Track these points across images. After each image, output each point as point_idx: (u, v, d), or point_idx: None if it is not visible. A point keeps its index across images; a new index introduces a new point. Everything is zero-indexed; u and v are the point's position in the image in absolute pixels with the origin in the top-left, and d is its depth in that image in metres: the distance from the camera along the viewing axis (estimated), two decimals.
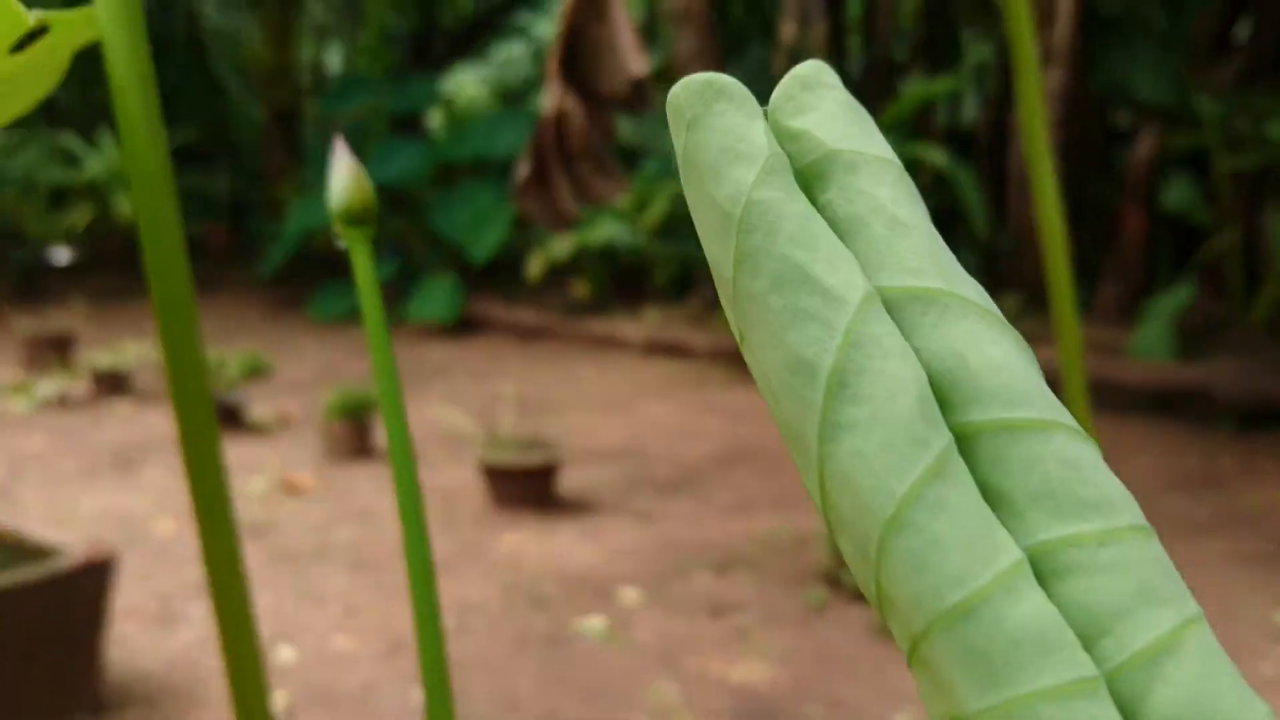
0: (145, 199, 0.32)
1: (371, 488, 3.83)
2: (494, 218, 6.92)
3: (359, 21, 10.67)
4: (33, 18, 0.28)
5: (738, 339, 0.21)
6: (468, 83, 13.26)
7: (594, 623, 2.67)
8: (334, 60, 11.94)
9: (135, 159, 0.31)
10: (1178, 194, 4.95)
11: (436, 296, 6.92)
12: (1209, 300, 4.99)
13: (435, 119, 11.72)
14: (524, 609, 2.77)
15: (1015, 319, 5.33)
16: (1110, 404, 4.82)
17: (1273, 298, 4.82)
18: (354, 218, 0.36)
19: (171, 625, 2.67)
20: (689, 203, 0.21)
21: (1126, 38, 5.04)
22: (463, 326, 6.98)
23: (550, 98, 3.49)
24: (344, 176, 0.36)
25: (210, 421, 0.34)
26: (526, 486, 3.55)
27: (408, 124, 8.96)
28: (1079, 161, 5.19)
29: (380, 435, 4.36)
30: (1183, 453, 4.26)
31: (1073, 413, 0.63)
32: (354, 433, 4.15)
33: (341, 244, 0.37)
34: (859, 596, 2.76)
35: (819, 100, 0.22)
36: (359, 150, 7.45)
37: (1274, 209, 4.61)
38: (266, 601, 2.79)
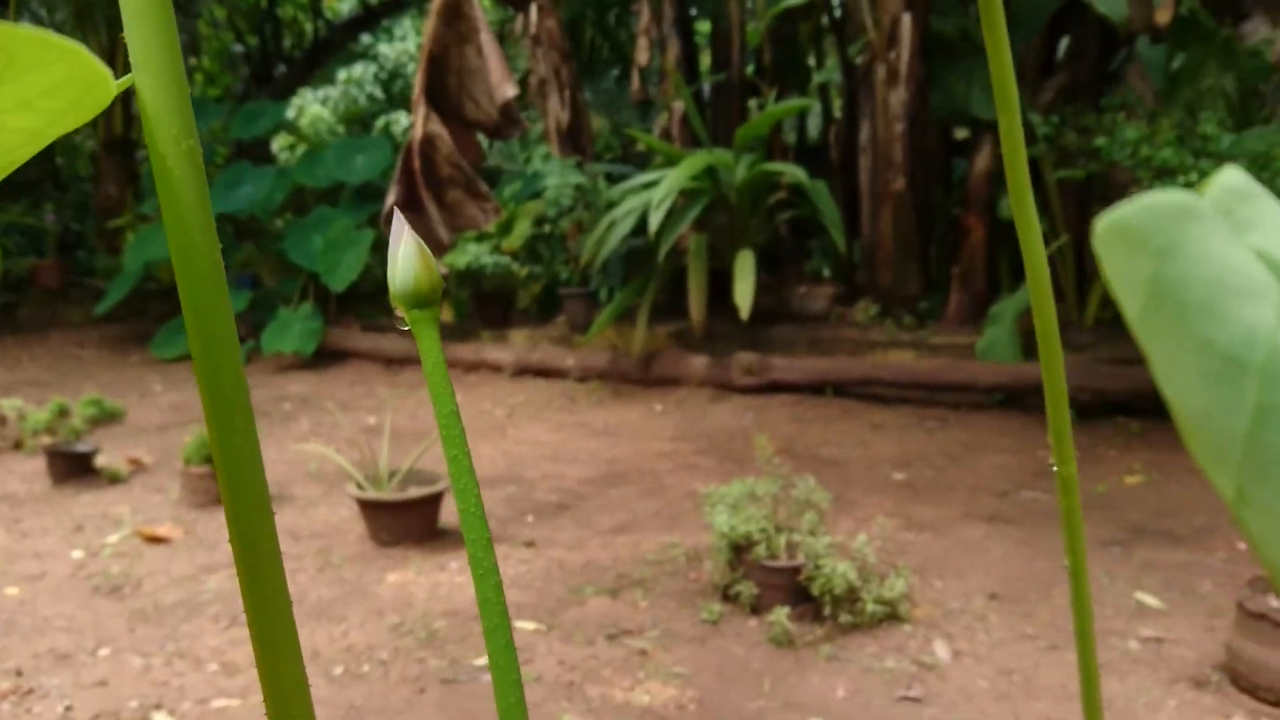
0: None
1: None
2: (352, 244, 6.72)
3: (194, 44, 10.20)
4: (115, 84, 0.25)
5: (1231, 494, 0.18)
6: (312, 106, 12.88)
7: None
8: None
9: None
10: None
11: (293, 328, 6.66)
12: None
13: (280, 143, 11.32)
14: (417, 649, 2.69)
15: (873, 326, 5.55)
16: (966, 403, 5.07)
17: (1102, 298, 5.18)
18: (421, 300, 0.34)
19: (28, 701, 2.46)
20: (1152, 338, 0.18)
21: (961, 60, 5.35)
22: (324, 357, 6.75)
23: (417, 123, 3.43)
24: (410, 257, 0.34)
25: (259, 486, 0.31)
26: (408, 521, 3.45)
27: (251, 149, 8.62)
28: (923, 176, 5.46)
29: None
30: (1034, 446, 4.52)
31: (1059, 429, 0.64)
32: (215, 476, 3.94)
33: (404, 325, 0.35)
34: (755, 609, 2.81)
35: (1261, 214, 0.20)
36: None
37: (1100, 216, 4.96)
38: (134, 665, 2.61)
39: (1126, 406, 4.64)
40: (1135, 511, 3.71)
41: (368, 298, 7.31)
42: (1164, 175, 3.97)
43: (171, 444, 4.76)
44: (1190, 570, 3.13)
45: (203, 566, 3.34)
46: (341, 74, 12.98)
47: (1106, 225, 0.19)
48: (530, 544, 3.50)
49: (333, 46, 11.94)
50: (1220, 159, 3.62)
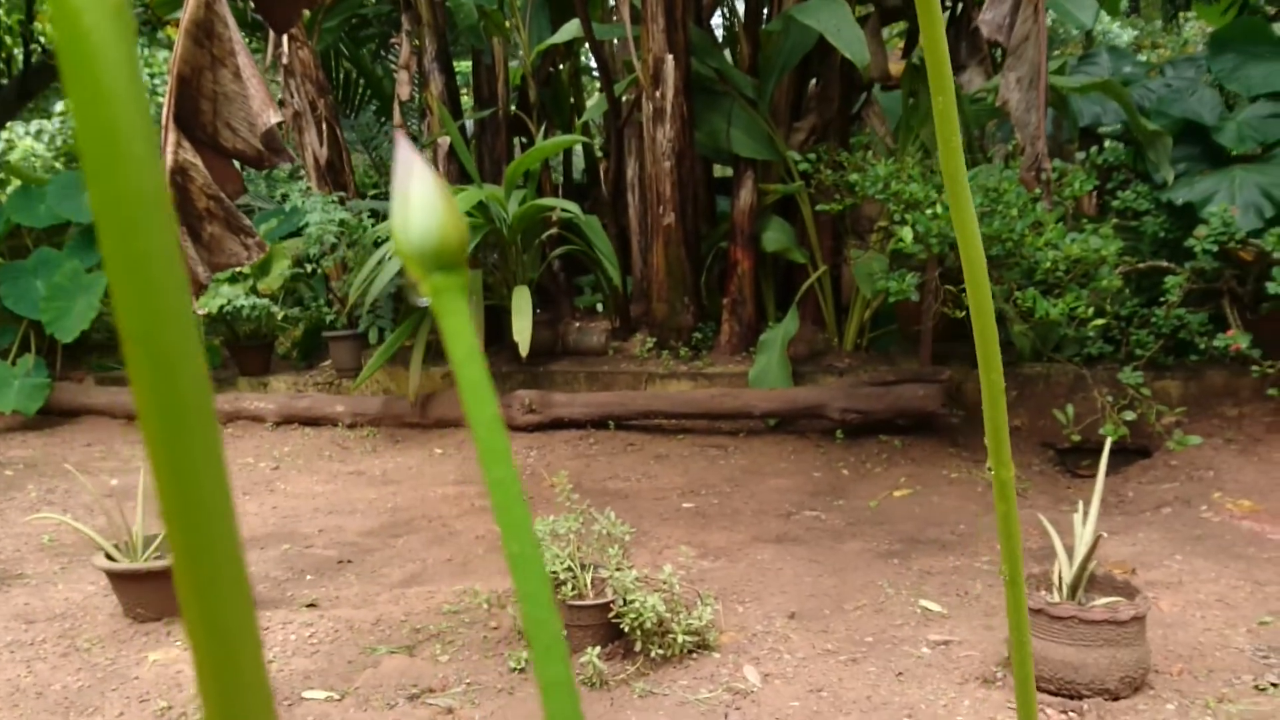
0: None
1: None
2: (81, 289, 6.06)
3: None
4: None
5: None
6: (23, 140, 11.63)
7: None
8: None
9: None
10: (774, 236, 5.53)
11: (11, 385, 5.90)
12: (810, 329, 5.61)
13: None
14: None
15: (650, 358, 5.63)
16: (744, 430, 5.23)
17: (858, 324, 5.53)
18: (447, 259, 0.25)
19: None
20: None
21: (720, 100, 5.58)
22: (51, 416, 6.02)
23: (166, 152, 3.12)
24: (428, 197, 0.25)
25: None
26: (167, 591, 3.09)
27: None
28: (691, 211, 5.63)
29: None
30: (810, 467, 4.72)
31: (998, 439, 0.60)
32: None
33: (422, 300, 0.25)
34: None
35: None
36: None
37: (853, 246, 5.31)
38: None
39: (889, 425, 4.94)
40: (906, 523, 3.94)
41: (101, 347, 6.61)
42: (911, 208, 4.29)
43: None
44: (962, 574, 3.35)
45: None
46: (59, 105, 11.82)
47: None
48: (313, 605, 3.23)
49: (47, 74, 10.85)
50: None
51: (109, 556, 3.08)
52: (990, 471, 0.63)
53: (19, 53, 10.46)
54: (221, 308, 5.79)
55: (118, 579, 3.03)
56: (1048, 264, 4.00)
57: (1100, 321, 4.22)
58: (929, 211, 4.09)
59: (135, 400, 0.20)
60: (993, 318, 0.59)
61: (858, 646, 2.79)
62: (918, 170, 4.37)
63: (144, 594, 3.03)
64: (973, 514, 4.01)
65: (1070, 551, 2.51)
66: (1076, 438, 4.28)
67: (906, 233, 4.09)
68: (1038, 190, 3.78)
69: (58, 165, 10.85)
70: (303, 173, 6.46)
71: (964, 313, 4.48)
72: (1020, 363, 5.00)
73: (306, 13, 6.35)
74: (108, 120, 0.18)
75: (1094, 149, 5.14)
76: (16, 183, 7.56)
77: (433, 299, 0.25)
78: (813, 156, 5.10)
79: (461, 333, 0.25)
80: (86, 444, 5.58)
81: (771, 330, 5.38)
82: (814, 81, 5.83)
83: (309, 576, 3.53)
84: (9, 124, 10.19)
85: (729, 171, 6.14)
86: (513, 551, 0.26)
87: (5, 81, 10.18)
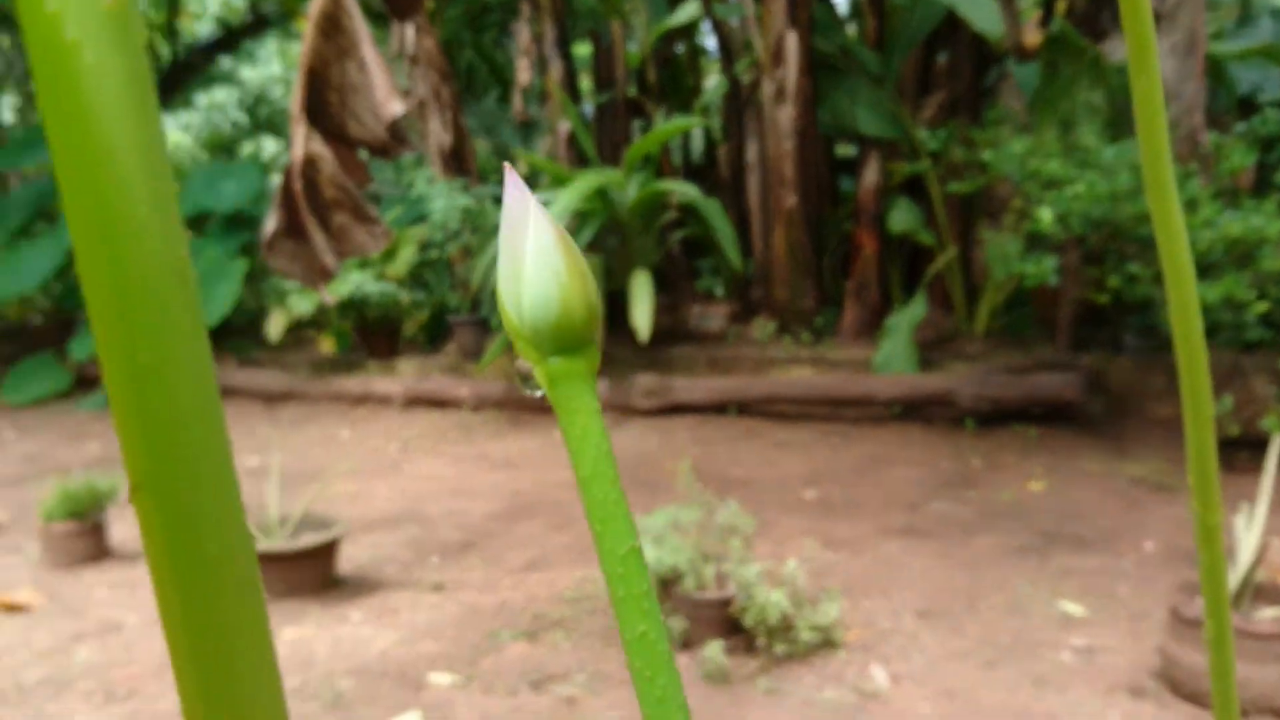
0: None
1: (111, 596, 3.30)
2: (222, 276, 6.34)
3: None
4: None
5: None
6: (171, 132, 12.26)
7: (407, 719, 2.40)
8: (4, 112, 10.60)
9: None
10: (901, 218, 5.34)
11: None
12: (939, 314, 5.41)
13: None
14: (322, 715, 2.45)
15: (771, 343, 5.53)
16: (867, 417, 5.09)
17: (990, 308, 5.30)
18: (571, 339, 0.20)
19: None
20: None
21: (844, 77, 5.41)
22: None
23: (296, 144, 3.20)
24: (547, 257, 0.20)
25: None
26: (302, 571, 3.20)
27: None
28: (814, 192, 5.49)
29: (117, 533, 3.80)
30: (937, 457, 4.55)
31: (1204, 478, 0.52)
32: (82, 533, 3.58)
33: (535, 389, 0.20)
34: (684, 645, 2.68)
35: None
36: (48, 212, 6.59)
37: (986, 227, 5.08)
38: None
39: (1023, 414, 4.73)
40: (1042, 518, 3.75)
41: (241, 331, 6.91)
42: (1050, 187, 4.06)
43: (28, 498, 4.34)
44: (1105, 575, 3.16)
45: (70, 635, 3.00)
46: (202, 99, 12.40)
47: None
48: (438, 587, 3.29)
49: (191, 70, 11.40)
50: (1104, 170, 3.73)
51: None
52: (1196, 514, 0.55)
53: (166, 50, 11.01)
54: (351, 293, 5.96)
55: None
56: (1204, 245, 3.73)
57: (1262, 306, 3.92)
58: (1070, 191, 3.86)
59: (151, 571, 0.16)
60: (1201, 341, 0.51)
61: (993, 649, 2.66)
62: (1057, 147, 4.14)
63: (279, 573, 3.14)
64: (1116, 510, 3.79)
65: (1232, 557, 2.32)
66: (1235, 430, 4.00)
67: (1045, 213, 3.87)
68: (1193, 165, 3.52)
69: (202, 156, 11.40)
70: (427, 160, 6.59)
71: (1107, 298, 4.23)
72: (1170, 349, 4.71)
73: (430, 2, 6.47)
74: (99, 177, 0.14)
75: (1254, 119, 4.77)
76: None
77: (550, 391, 0.20)
78: (943, 134, 4.89)
79: (588, 438, 0.20)
80: (229, 424, 5.84)
81: (897, 314, 5.21)
82: (942, 55, 5.60)
83: (435, 559, 3.59)
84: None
85: (852, 152, 5.97)
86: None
87: (155, 79, 10.72)
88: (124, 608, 3.18)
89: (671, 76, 7.04)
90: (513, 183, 0.21)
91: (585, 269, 0.21)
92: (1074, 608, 2.90)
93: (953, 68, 5.44)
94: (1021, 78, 5.89)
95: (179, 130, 12.22)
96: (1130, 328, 4.76)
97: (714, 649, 2.50)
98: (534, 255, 0.20)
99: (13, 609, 3.21)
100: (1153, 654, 2.51)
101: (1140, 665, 2.50)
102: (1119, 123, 4.98)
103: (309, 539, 3.21)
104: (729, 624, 2.66)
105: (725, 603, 2.64)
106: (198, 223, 6.95)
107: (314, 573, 3.22)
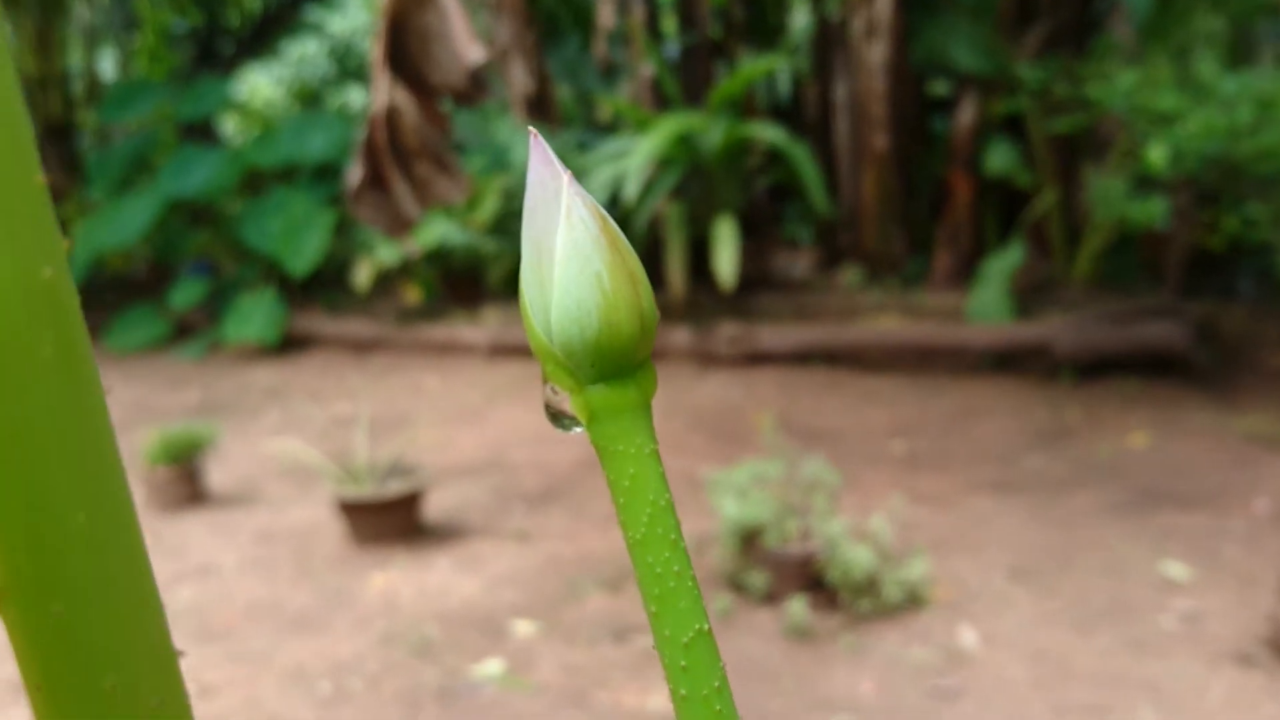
0: None
1: (209, 538, 3.42)
2: (312, 226, 6.44)
3: (133, 22, 9.76)
4: None
5: None
6: (262, 84, 12.47)
7: (490, 666, 2.43)
8: (107, 66, 10.91)
9: None
10: (999, 158, 5.11)
11: (254, 315, 6.39)
12: (1036, 260, 5.19)
13: (229, 124, 10.93)
14: (408, 660, 2.50)
15: (858, 291, 5.39)
16: (957, 367, 4.94)
17: (1092, 253, 5.05)
18: (616, 361, 0.15)
19: None
20: None
21: (941, 10, 5.16)
22: (289, 345, 6.48)
23: (379, 93, 3.19)
24: (588, 254, 0.15)
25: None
26: (389, 518, 3.25)
27: (198, 130, 8.26)
28: (904, 134, 5.29)
29: (215, 477, 3.93)
30: (1031, 409, 4.39)
31: None
32: (182, 478, 3.71)
33: (571, 426, 0.16)
34: (766, 599, 2.65)
35: None
36: (147, 162, 6.76)
37: (1089, 168, 4.83)
38: None
39: (1125, 364, 4.52)
40: (1143, 475, 3.59)
41: (330, 281, 7.04)
42: (1161, 123, 3.82)
43: (132, 443, 4.52)
44: (1210, 535, 3.01)
45: (169, 575, 3.12)
46: (294, 51, 12.56)
47: None
48: (522, 536, 3.31)
49: (279, 22, 11.52)
50: (1224, 103, 3.48)
51: (339, 484, 3.27)
52: None
53: (255, 2, 11.14)
54: (438, 244, 6.00)
55: (343, 507, 3.21)
56: None
57: None
58: (1184, 127, 3.62)
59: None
60: None
61: (1088, 611, 2.56)
62: (1171, 79, 3.88)
63: (366, 520, 3.20)
64: (1224, 467, 3.60)
65: None
66: None
67: (1156, 151, 3.65)
68: None
69: (292, 107, 11.56)
70: (509, 107, 6.56)
71: (1221, 242, 3.98)
72: None
73: None
74: None
75: None
76: (255, 127, 8.10)
77: (590, 429, 0.15)
78: (1045, 69, 4.63)
79: (641, 489, 0.15)
80: (319, 372, 5.98)
81: (992, 260, 5.01)
82: None
83: (518, 507, 3.62)
84: (248, 67, 10.90)
85: (944, 90, 5.72)
86: None
87: (243, 29, 10.87)
88: (221, 549, 3.29)
89: (757, 16, 6.83)
90: (539, 154, 0.16)
91: (637, 267, 0.16)
92: (1177, 570, 2.77)
93: None
94: (1132, 5, 5.54)
95: (270, 82, 12.41)
96: (1245, 273, 4.48)
97: (797, 605, 2.47)
98: (567, 253, 0.15)
99: None
100: (1263, 621, 2.38)
101: (1248, 633, 2.38)
102: (1240, 51, 4.64)
103: (397, 486, 3.26)
104: (812, 579, 2.61)
105: (808, 558, 2.59)
106: (287, 174, 7.06)
107: (401, 519, 3.27)
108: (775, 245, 6.11)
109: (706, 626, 0.16)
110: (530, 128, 0.17)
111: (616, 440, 0.16)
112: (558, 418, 0.17)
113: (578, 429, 0.16)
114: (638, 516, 0.16)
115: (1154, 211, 3.80)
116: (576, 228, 0.15)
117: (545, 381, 0.16)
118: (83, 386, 0.13)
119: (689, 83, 6.55)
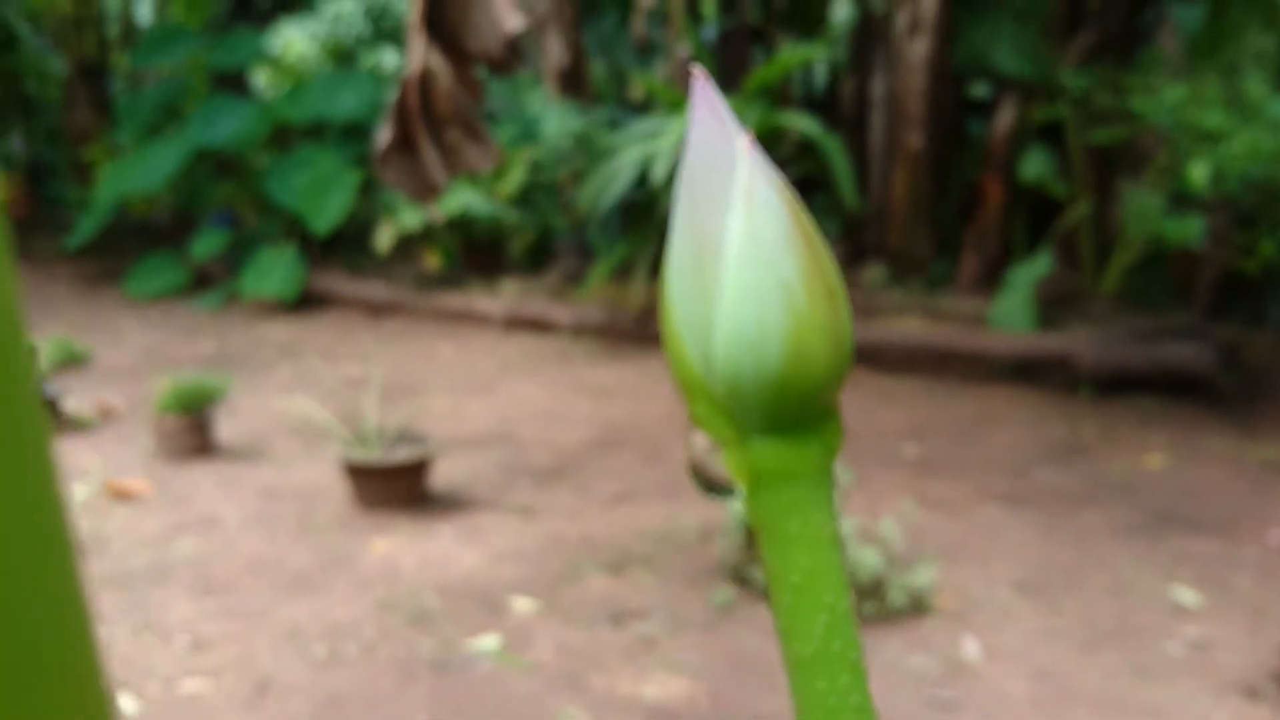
0: None
1: (214, 491, 3.42)
2: (337, 185, 6.42)
3: None
4: None
5: None
6: (296, 39, 12.41)
7: (487, 641, 2.42)
8: (144, 10, 10.87)
9: None
10: (1034, 166, 5.04)
11: (274, 270, 6.38)
12: (1064, 271, 5.12)
13: (261, 77, 10.88)
14: (405, 629, 2.49)
15: (881, 290, 5.34)
16: (975, 374, 4.89)
17: (1121, 268, 4.98)
18: (801, 407, 0.12)
19: None
20: None
21: (987, 10, 5.07)
22: (305, 303, 6.47)
23: (414, 56, 3.15)
24: (774, 255, 0.11)
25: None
26: (395, 484, 3.24)
27: (230, 82, 8.24)
28: (941, 134, 5.21)
29: (224, 430, 3.93)
30: (1047, 422, 4.34)
31: None
32: (191, 428, 3.71)
33: (725, 494, 0.12)
34: (769, 594, 2.62)
35: None
36: (177, 110, 6.74)
37: (1125, 181, 4.75)
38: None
39: (1146, 384, 4.46)
40: (1157, 496, 3.55)
41: (351, 241, 7.02)
42: (1205, 141, 3.75)
43: (145, 391, 4.51)
44: (1223, 563, 2.97)
45: (174, 525, 3.12)
46: (330, 8, 12.50)
47: None
48: (526, 511, 3.30)
49: None
50: (1271, 125, 3.41)
51: (346, 446, 3.26)
52: None
53: None
54: (461, 212, 5.97)
55: (350, 470, 3.19)
56: None
57: None
58: (1229, 147, 3.55)
59: None
60: None
61: (1093, 631, 2.53)
62: (1219, 97, 3.80)
63: (371, 484, 3.19)
64: (1240, 494, 3.55)
65: None
66: None
67: (1198, 169, 3.58)
68: None
69: (325, 64, 11.52)
70: (542, 79, 6.50)
71: (1255, 265, 3.91)
72: None
73: None
74: None
75: None
76: (287, 82, 8.07)
77: (752, 499, 0.12)
78: (1089, 77, 4.55)
79: (815, 587, 0.12)
80: (333, 332, 5.97)
81: (1020, 267, 4.95)
82: None
83: (524, 483, 3.60)
84: (283, 20, 10.84)
85: (983, 92, 5.64)
86: None
87: None
88: (225, 502, 3.29)
89: (798, 4, 6.74)
90: (706, 106, 0.12)
91: (836, 278, 0.12)
92: (1187, 596, 2.73)
93: (1106, 4, 5.05)
94: (1182, 19, 5.44)
95: (304, 38, 12.36)
96: (1277, 299, 4.41)
97: None
98: (744, 251, 0.11)
99: (123, 495, 3.35)
100: (1273, 653, 2.34)
101: (1257, 664, 2.34)
102: None
103: (404, 453, 3.24)
104: None
105: None
106: (316, 131, 7.03)
107: (407, 486, 3.26)
108: None
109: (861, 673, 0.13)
110: (697, 70, 0.13)
111: (787, 517, 0.12)
112: (710, 485, 0.13)
113: (732, 497, 0.12)
114: (809, 627, 0.12)
115: (1190, 230, 3.74)
116: (759, 215, 0.11)
117: (692, 428, 0.12)
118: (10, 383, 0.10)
119: (725, 67, 6.48)
